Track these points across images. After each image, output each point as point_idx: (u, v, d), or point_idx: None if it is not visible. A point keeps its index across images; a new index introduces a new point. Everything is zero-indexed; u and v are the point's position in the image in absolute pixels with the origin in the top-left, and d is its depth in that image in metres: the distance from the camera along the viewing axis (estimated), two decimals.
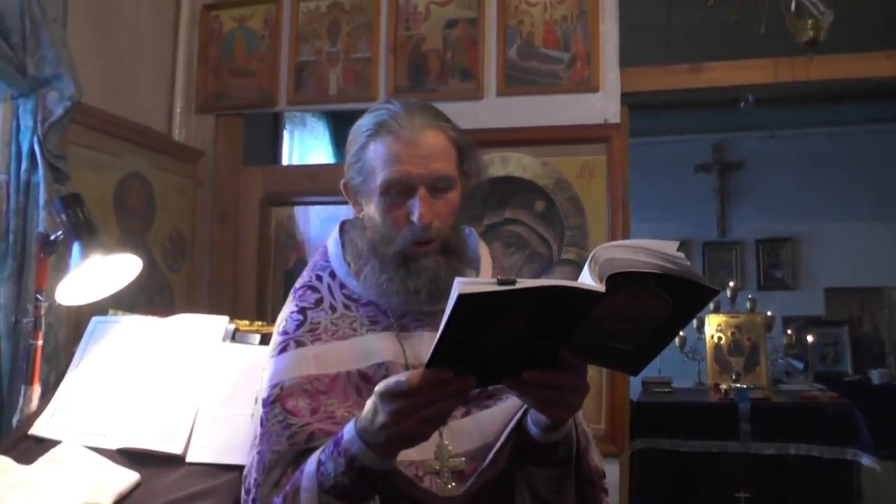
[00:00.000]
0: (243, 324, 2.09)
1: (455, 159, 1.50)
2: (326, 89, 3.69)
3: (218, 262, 3.75)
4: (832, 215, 7.06)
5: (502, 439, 1.42)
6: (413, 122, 1.45)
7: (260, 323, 2.11)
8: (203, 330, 2.06)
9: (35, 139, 2.53)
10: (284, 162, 4.74)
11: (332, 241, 1.63)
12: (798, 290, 7.24)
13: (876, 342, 6.92)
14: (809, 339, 5.76)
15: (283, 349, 1.50)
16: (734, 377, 5.08)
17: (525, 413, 1.41)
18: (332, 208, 3.70)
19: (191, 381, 1.96)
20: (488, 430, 1.45)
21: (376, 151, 1.45)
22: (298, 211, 3.77)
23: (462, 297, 1.03)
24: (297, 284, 1.60)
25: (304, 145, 5.09)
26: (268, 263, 3.74)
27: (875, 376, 6.35)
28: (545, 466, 1.46)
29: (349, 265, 1.56)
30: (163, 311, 2.20)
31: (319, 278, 1.58)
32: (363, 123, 1.50)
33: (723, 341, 5.31)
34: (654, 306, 1.17)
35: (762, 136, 7.25)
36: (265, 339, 2.04)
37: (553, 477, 1.46)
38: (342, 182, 1.56)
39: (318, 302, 1.54)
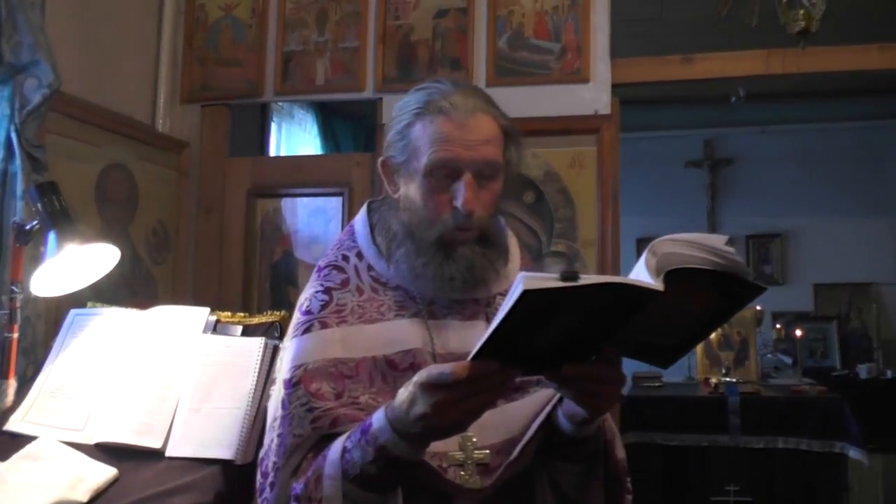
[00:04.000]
0: (225, 315, 2.05)
1: (502, 147, 1.46)
2: (314, 79, 3.64)
3: (203, 254, 3.70)
4: (821, 211, 7.07)
5: (530, 433, 1.39)
6: (466, 104, 1.40)
7: (242, 314, 2.07)
8: (183, 322, 2.02)
9: (12, 127, 2.46)
10: (272, 154, 4.69)
11: (360, 221, 1.58)
12: (787, 285, 7.23)
13: (863, 338, 6.94)
14: (798, 333, 5.77)
15: (306, 329, 1.44)
16: (724, 371, 5.06)
17: (554, 407, 1.39)
18: (319, 200, 3.66)
19: (170, 373, 1.92)
20: (515, 423, 1.42)
21: (424, 130, 1.40)
22: (285, 203, 3.71)
23: (525, 293, 0.99)
24: (322, 263, 1.55)
25: (293, 138, 5.05)
26: (254, 256, 3.68)
27: (862, 371, 6.36)
28: (573, 461, 1.44)
29: (378, 247, 1.51)
30: (146, 305, 2.15)
31: (346, 258, 1.53)
32: (410, 101, 1.45)
33: (713, 336, 5.28)
34: (700, 301, 1.17)
35: (753, 131, 7.24)
36: (247, 331, 2.00)
37: (579, 472, 1.44)
38: (380, 159, 1.50)
39: (345, 283, 1.49)
